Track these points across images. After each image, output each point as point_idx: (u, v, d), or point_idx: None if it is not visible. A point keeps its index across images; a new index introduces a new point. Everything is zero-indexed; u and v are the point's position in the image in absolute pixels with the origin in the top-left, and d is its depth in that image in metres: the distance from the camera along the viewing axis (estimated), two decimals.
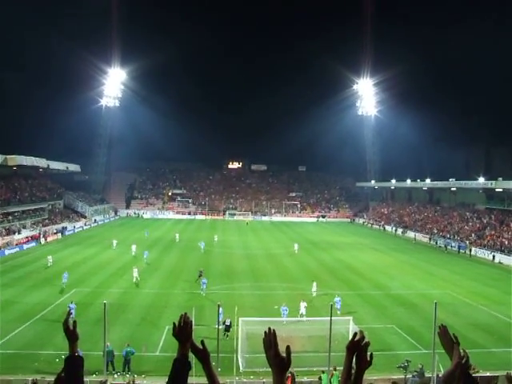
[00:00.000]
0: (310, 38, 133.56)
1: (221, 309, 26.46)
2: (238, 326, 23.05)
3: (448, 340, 3.16)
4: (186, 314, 2.55)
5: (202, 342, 2.52)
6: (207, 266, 44.26)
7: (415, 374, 18.46)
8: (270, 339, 2.49)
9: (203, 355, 2.53)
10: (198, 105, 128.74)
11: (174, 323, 2.45)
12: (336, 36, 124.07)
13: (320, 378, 18.55)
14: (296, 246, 54.69)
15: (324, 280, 39.77)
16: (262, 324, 25.14)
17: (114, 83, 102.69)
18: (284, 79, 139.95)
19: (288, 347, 2.48)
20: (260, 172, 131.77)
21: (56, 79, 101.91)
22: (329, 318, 19.79)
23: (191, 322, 2.54)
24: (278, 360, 2.45)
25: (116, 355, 20.65)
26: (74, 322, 2.84)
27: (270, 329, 2.52)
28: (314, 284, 34.92)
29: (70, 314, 2.91)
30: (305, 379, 19.12)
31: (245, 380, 19.21)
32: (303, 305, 27.71)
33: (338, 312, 26.46)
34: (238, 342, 21.79)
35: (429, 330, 19.51)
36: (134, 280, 36.62)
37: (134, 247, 49.26)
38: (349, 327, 23.22)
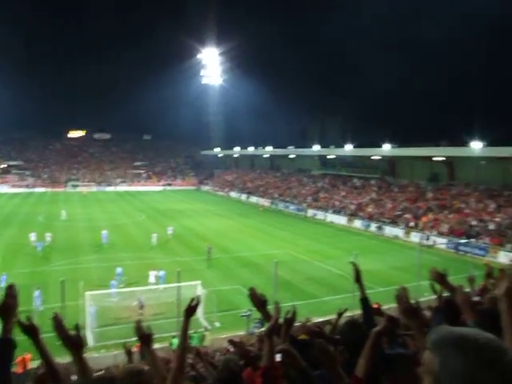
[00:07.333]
0: (155, 4, 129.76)
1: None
2: (84, 301, 22.28)
3: (258, 300, 3.66)
4: (12, 285, 2.42)
5: (29, 318, 2.49)
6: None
7: (257, 321, 19.87)
8: (57, 324, 2.55)
9: (32, 331, 2.49)
10: (31, 68, 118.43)
11: None
12: (180, 3, 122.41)
13: (171, 344, 18.95)
14: (170, 230, 44.67)
15: (171, 248, 40.14)
16: (110, 296, 24.78)
17: None
18: (127, 45, 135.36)
19: (77, 325, 2.58)
20: (103, 141, 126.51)
21: None
22: (177, 284, 20.31)
23: (16, 295, 2.40)
24: (70, 341, 2.54)
25: None
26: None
27: (54, 315, 2.57)
28: (154, 235, 40.45)
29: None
30: (156, 346, 19.28)
31: (96, 355, 18.73)
32: (153, 273, 27.81)
33: (161, 286, 26.43)
34: (86, 317, 21.18)
35: (271, 287, 20.98)
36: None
37: None
38: (196, 291, 23.87)
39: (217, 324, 22.49)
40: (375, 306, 5.11)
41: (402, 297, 2.70)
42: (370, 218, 53.10)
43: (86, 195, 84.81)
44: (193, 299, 3.35)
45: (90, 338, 20.06)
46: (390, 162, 64.14)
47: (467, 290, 7.51)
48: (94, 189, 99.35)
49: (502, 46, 73.85)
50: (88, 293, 22.33)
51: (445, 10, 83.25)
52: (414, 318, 2.63)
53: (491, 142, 44.96)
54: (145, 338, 3.35)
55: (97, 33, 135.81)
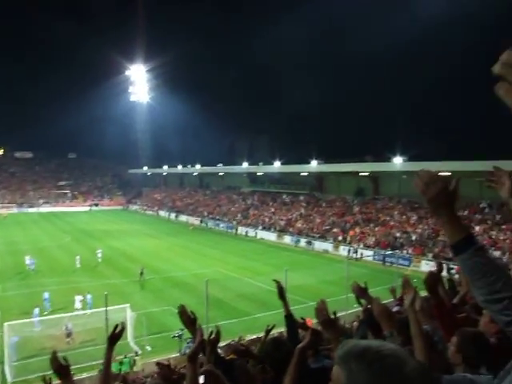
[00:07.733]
0: (81, 21, 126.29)
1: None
2: (2, 333, 20.80)
3: (187, 318, 3.60)
4: None
5: None
6: None
7: (189, 341, 19.47)
8: None
9: None
10: None
11: None
12: (107, 20, 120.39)
13: (100, 371, 18.11)
14: (99, 254, 41.93)
15: (98, 270, 38.81)
16: (33, 325, 23.42)
17: None
18: (51, 60, 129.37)
19: None
20: (25, 160, 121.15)
21: None
22: (105, 309, 19.52)
23: None
24: None
25: None
26: None
27: None
28: (78, 257, 39.14)
29: None
30: (84, 375, 18.25)
31: None
32: (78, 298, 26.66)
33: (88, 311, 25.39)
34: (4, 350, 19.79)
35: (203, 306, 20.68)
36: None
37: None
38: (126, 315, 23.10)
39: (148, 348, 21.82)
40: (301, 320, 5.13)
41: (321, 309, 2.76)
42: (300, 233, 53.98)
43: (6, 217, 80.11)
44: (117, 325, 3.22)
45: (8, 374, 18.75)
46: (318, 178, 65.70)
47: (391, 300, 7.76)
48: (15, 210, 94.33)
49: (422, 65, 77.94)
50: (7, 323, 20.91)
51: (366, 26, 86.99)
52: (332, 330, 2.69)
53: (411, 158, 47.31)
54: (61, 369, 3.16)
55: (18, 46, 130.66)
